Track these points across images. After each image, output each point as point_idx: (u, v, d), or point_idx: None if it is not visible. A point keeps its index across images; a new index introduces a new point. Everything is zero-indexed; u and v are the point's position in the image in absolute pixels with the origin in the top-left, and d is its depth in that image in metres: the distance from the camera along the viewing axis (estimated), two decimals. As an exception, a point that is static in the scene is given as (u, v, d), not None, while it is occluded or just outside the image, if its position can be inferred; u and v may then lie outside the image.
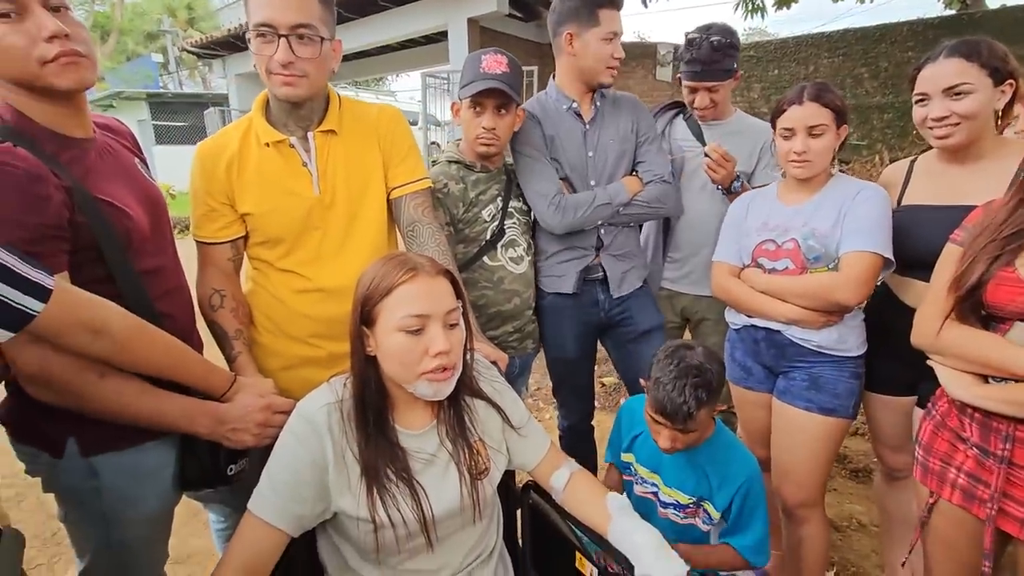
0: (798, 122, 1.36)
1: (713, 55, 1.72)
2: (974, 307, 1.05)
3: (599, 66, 1.59)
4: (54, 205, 0.88)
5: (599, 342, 1.82)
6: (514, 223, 1.65)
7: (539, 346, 1.79)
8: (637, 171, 1.69)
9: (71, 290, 0.84)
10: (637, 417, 1.37)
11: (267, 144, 1.23)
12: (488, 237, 1.60)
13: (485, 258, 1.60)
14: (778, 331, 1.43)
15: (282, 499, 0.91)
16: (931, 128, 1.30)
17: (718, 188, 1.79)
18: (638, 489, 1.37)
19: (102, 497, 1.01)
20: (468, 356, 1.01)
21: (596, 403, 1.98)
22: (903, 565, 1.34)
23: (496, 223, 1.61)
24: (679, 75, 1.85)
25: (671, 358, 1.17)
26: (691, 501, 1.28)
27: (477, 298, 1.59)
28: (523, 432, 1.11)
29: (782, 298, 1.40)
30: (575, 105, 1.66)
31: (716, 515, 1.26)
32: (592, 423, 1.92)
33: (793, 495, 1.48)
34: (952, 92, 1.24)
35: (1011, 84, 1.23)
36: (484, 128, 1.52)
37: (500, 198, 1.62)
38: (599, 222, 1.62)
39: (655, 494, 1.34)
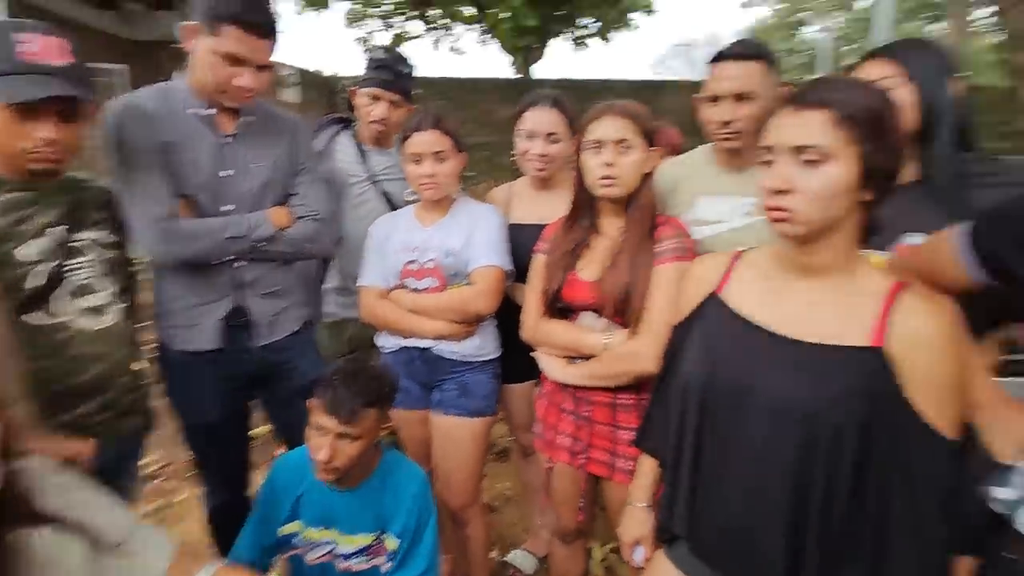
0: (424, 147, 1.44)
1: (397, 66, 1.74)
2: (555, 304, 1.33)
3: (208, 83, 1.30)
4: None
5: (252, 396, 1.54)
6: (88, 262, 1.22)
7: (149, 421, 1.39)
8: (289, 203, 1.47)
9: None
10: (300, 473, 1.21)
11: None
12: (34, 286, 1.13)
13: (28, 316, 1.13)
14: (428, 348, 1.50)
15: None
16: (529, 160, 1.62)
17: None
18: (310, 557, 1.22)
19: None
20: None
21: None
22: (541, 524, 1.60)
23: (52, 264, 1.16)
24: (354, 87, 1.78)
25: (345, 365, 1.16)
26: (373, 538, 1.22)
27: (27, 374, 1.09)
28: (127, 549, 0.81)
29: (429, 315, 1.48)
30: (209, 112, 1.35)
31: (394, 544, 1.22)
32: (248, 493, 1.62)
33: (455, 499, 1.59)
34: (547, 136, 1.58)
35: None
36: (43, 139, 1.08)
37: (63, 227, 1.18)
38: (228, 257, 1.36)
39: (331, 552, 1.21)
